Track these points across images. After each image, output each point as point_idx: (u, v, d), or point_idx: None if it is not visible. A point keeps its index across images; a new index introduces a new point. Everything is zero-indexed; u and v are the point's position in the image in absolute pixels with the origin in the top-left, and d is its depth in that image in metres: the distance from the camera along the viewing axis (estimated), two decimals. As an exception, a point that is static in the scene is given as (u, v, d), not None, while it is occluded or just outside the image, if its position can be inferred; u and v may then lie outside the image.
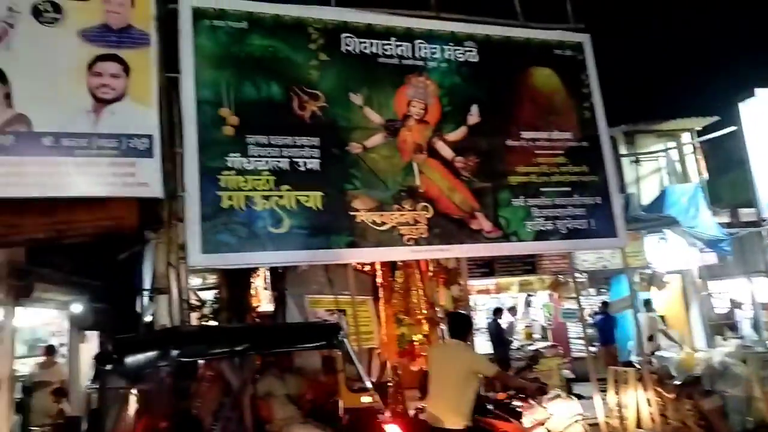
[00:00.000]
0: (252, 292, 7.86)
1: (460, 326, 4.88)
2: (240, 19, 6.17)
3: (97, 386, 4.01)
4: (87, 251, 10.22)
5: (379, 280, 8.22)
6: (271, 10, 6.33)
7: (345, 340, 4.51)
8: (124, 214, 8.22)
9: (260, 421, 4.99)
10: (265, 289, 7.98)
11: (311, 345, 4.98)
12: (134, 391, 4.14)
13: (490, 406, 5.17)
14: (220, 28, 6.06)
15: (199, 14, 6.01)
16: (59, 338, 11.37)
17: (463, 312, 6.32)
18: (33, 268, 9.81)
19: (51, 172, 5.52)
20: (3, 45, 5.45)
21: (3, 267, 9.36)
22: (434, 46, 7.00)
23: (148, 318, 9.56)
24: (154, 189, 5.69)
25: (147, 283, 9.74)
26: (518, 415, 5.23)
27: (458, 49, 7.11)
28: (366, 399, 4.68)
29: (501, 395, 5.57)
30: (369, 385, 4.76)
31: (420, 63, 6.90)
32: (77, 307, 11.48)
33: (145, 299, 9.67)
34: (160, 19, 5.89)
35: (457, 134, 6.88)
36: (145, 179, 5.66)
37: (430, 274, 8.27)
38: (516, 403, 5.34)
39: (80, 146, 5.51)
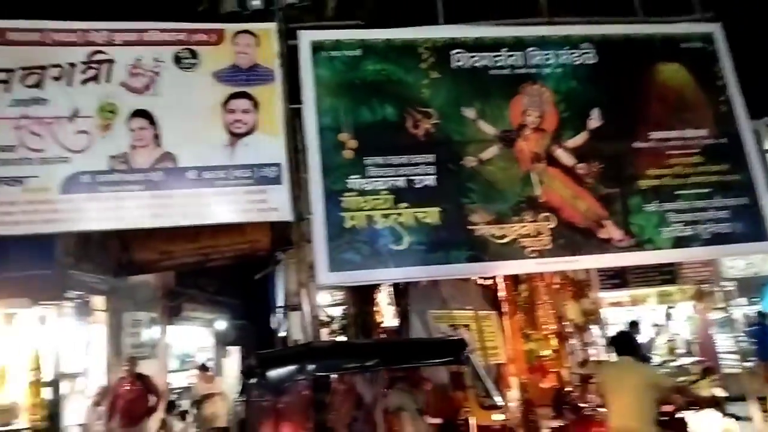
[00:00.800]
0: (376, 308, 8.07)
1: (627, 343, 4.95)
2: (354, 48, 6.45)
3: (244, 398, 4.33)
4: (227, 273, 11.19)
5: (501, 294, 8.07)
6: (382, 36, 6.55)
7: (471, 355, 4.48)
8: (258, 238, 8.91)
9: (391, 435, 5.08)
10: (389, 304, 8.16)
11: (438, 360, 5.00)
12: (276, 403, 4.41)
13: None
14: (336, 58, 6.39)
15: (317, 47, 6.39)
16: (205, 353, 12.44)
17: (626, 330, 6.13)
18: (182, 289, 10.91)
19: (195, 203, 6.08)
20: (151, 91, 6.18)
21: (157, 289, 10.51)
22: (547, 52, 6.81)
23: (282, 333, 10.20)
24: (284, 213, 6.08)
25: (280, 301, 10.43)
26: (684, 427, 4.98)
27: (574, 53, 6.86)
28: (498, 417, 4.59)
29: (669, 407, 5.31)
30: (500, 402, 4.68)
31: (533, 71, 6.74)
32: (220, 324, 12.54)
33: (279, 316, 10.35)
34: (283, 56, 6.34)
35: (578, 140, 6.61)
36: (275, 204, 6.07)
37: (557, 286, 7.96)
38: (683, 414, 5.10)
39: (219, 177, 6.04)
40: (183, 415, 9.66)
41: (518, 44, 6.80)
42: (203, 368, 10.35)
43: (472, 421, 5.16)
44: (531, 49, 6.80)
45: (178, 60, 6.25)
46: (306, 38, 6.42)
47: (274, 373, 4.34)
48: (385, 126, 6.30)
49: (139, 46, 6.23)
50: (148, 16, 6.48)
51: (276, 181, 6.09)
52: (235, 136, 6.15)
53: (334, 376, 5.37)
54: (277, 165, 6.12)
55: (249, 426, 4.39)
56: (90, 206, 5.99)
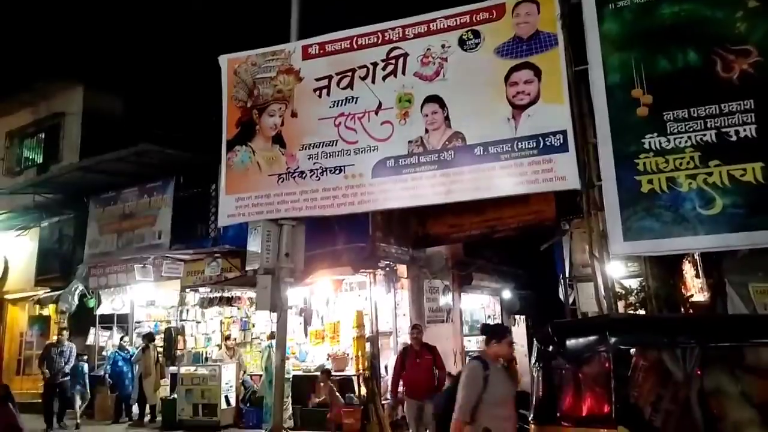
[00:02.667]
0: (681, 280, 7.28)
1: None
2: (644, -7, 5.85)
3: (540, 365, 4.41)
4: (512, 244, 11.44)
5: None
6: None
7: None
8: (543, 208, 8.90)
9: (709, 419, 4.57)
10: (696, 276, 7.27)
11: (769, 340, 4.29)
12: (575, 373, 4.37)
13: None
14: (624, 8, 5.88)
15: (602, 0, 5.98)
16: (493, 321, 12.97)
17: None
18: (471, 260, 11.56)
19: (482, 177, 6.37)
20: (440, 77, 6.66)
21: (449, 260, 11.34)
22: None
23: (570, 304, 10.02)
24: (572, 181, 5.92)
25: (567, 271, 10.24)
26: None
27: None
28: None
29: None
30: None
31: None
32: (506, 294, 12.92)
33: (566, 287, 10.18)
34: (564, 17, 6.12)
35: None
36: (562, 173, 5.95)
37: None
38: None
39: (504, 151, 6.20)
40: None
41: None
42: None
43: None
44: None
45: (462, 43, 6.59)
46: (590, -7, 6.05)
47: (572, 343, 4.32)
48: (688, 74, 5.56)
49: (428, 36, 6.77)
50: (431, 6, 6.94)
51: (562, 149, 5.97)
52: (518, 108, 6.22)
53: (635, 351, 5.07)
54: (563, 132, 5.99)
55: (545, 393, 4.44)
56: (394, 187, 6.82)
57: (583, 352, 4.42)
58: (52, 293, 11.84)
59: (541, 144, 6.05)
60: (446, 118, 6.56)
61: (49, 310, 12.51)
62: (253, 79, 7.89)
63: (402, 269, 9.99)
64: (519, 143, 6.15)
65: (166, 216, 10.88)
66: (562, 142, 5.98)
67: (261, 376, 9.49)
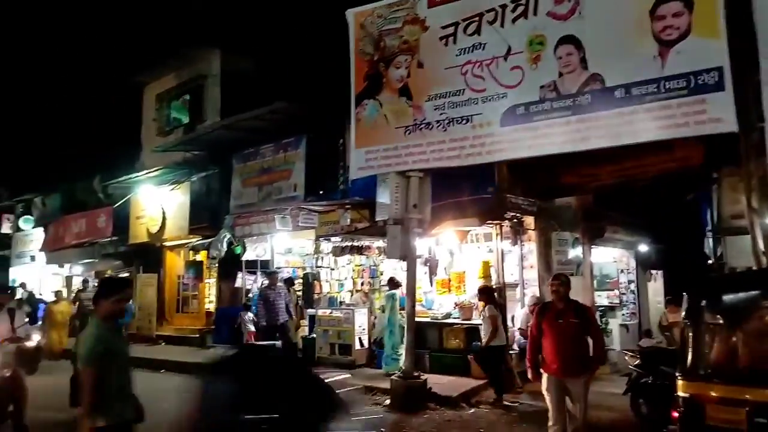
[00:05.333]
0: None
1: None
2: None
3: (692, 321, 4.18)
4: (648, 194, 10.70)
5: None
6: None
7: None
8: (689, 155, 8.17)
9: None
10: None
11: None
12: (731, 329, 4.11)
13: None
14: None
15: None
16: (627, 275, 12.36)
17: None
18: (602, 211, 10.99)
19: (623, 122, 5.98)
20: (576, 15, 6.25)
21: (578, 211, 10.87)
22: None
23: (717, 259, 9.25)
24: (728, 124, 5.37)
25: (712, 224, 9.42)
26: None
27: None
28: None
29: None
30: None
31: None
32: (642, 247, 12.19)
33: (713, 240, 9.40)
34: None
35: None
36: (716, 115, 5.42)
37: None
38: None
39: (649, 92, 5.76)
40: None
41: None
42: (674, 302, 9.81)
43: None
44: None
45: (598, -26, 6.11)
46: None
47: (730, 298, 4.05)
48: None
49: (563, -31, 6.33)
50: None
51: (717, 87, 5.41)
52: (666, 45, 5.70)
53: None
54: (718, 69, 5.41)
55: (696, 348, 4.21)
56: (524, 135, 6.64)
57: (742, 308, 4.14)
58: (203, 241, 13.16)
59: (693, 83, 5.53)
60: (582, 60, 6.19)
61: (201, 256, 13.95)
62: (379, 31, 7.96)
63: (529, 221, 9.77)
64: (666, 83, 5.67)
65: (300, 170, 11.52)
66: (717, 80, 5.41)
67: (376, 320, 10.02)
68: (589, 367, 5.17)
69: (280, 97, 11.00)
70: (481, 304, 8.48)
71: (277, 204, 11.53)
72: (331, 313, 10.38)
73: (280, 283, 10.63)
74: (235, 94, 13.56)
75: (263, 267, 12.50)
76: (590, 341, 5.19)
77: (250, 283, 12.50)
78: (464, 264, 10.20)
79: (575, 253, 10.28)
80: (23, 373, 6.23)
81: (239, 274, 12.59)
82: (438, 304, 10.25)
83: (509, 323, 9.27)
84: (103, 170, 16.57)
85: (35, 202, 20.26)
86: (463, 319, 9.48)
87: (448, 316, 9.76)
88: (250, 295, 12.03)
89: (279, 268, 12.20)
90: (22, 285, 18.42)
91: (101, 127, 16.72)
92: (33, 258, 19.32)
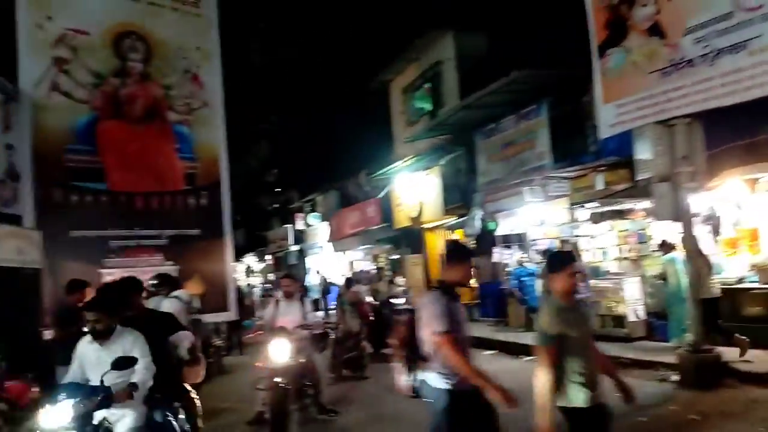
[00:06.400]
0: None
1: None
2: None
3: None
4: None
5: None
6: None
7: None
8: None
9: None
10: None
11: None
12: None
13: None
14: None
15: None
16: None
17: None
18: None
19: None
20: None
21: None
22: None
23: None
24: None
25: None
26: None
27: None
28: None
29: None
30: None
31: None
32: None
33: None
34: None
35: None
36: None
37: None
38: None
39: None
40: None
41: None
42: None
43: None
44: None
45: None
46: None
47: None
48: None
49: None
50: None
51: None
52: None
53: None
54: None
55: None
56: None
57: None
58: (459, 220, 13.68)
59: None
60: None
61: (457, 235, 14.54)
62: (616, -29, 7.14)
63: None
64: None
65: (544, 137, 11.09)
66: None
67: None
68: None
69: (515, 67, 10.72)
70: None
71: (525, 176, 11.30)
72: (597, 283, 9.78)
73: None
74: (471, 73, 13.70)
75: (519, 241, 12.45)
76: None
77: (507, 257, 12.57)
78: (756, 218, 8.56)
79: None
80: (317, 357, 6.66)
81: (495, 249, 12.76)
82: (726, 268, 8.82)
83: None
84: (367, 166, 18.55)
85: (318, 201, 23.81)
86: (764, 283, 7.98)
87: (741, 280, 8.33)
88: (507, 269, 12.10)
89: (534, 240, 11.99)
90: (317, 272, 21.74)
91: (361, 127, 18.62)
92: (322, 248, 22.68)
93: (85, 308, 3.81)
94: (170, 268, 8.40)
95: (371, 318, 9.85)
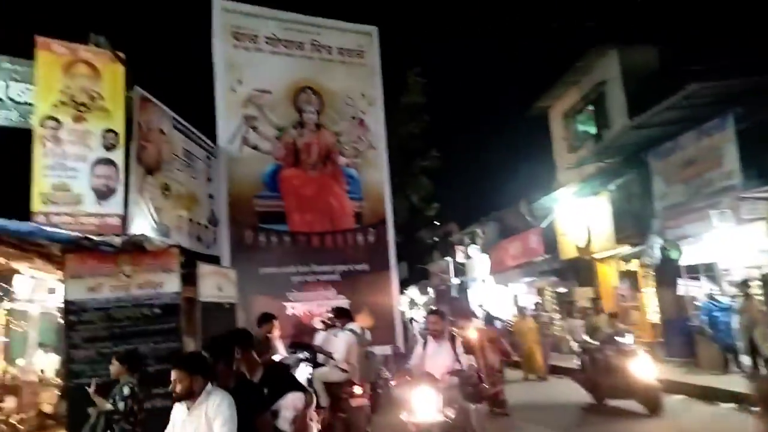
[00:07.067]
0: None
1: None
2: None
3: None
4: None
5: None
6: None
7: None
8: None
9: None
10: None
11: None
12: None
13: None
14: None
15: None
16: None
17: None
18: None
19: None
20: None
21: None
22: None
23: None
24: None
25: None
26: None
27: None
28: None
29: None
30: None
31: None
32: None
33: None
34: None
35: None
36: None
37: None
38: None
39: None
40: None
41: None
42: None
43: None
44: None
45: None
46: None
47: None
48: None
49: None
50: None
51: None
52: None
53: None
54: None
55: None
56: None
57: None
58: (634, 249, 12.61)
59: None
60: None
61: (634, 265, 13.37)
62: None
63: None
64: None
65: (731, 153, 9.88)
66: None
67: None
68: None
69: (691, 78, 9.78)
70: None
71: (711, 198, 10.12)
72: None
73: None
74: (640, 90, 12.81)
75: (708, 270, 11.10)
76: None
77: (694, 289, 11.24)
78: None
79: None
80: (470, 408, 5.37)
81: (679, 281, 11.49)
82: None
83: None
84: (527, 195, 18.08)
85: (477, 232, 23.64)
86: None
87: None
88: (696, 303, 10.81)
89: (726, 269, 10.60)
90: (480, 305, 21.47)
91: (520, 156, 18.36)
92: (483, 281, 22.34)
93: (171, 365, 3.37)
94: (342, 302, 8.96)
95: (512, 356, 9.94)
